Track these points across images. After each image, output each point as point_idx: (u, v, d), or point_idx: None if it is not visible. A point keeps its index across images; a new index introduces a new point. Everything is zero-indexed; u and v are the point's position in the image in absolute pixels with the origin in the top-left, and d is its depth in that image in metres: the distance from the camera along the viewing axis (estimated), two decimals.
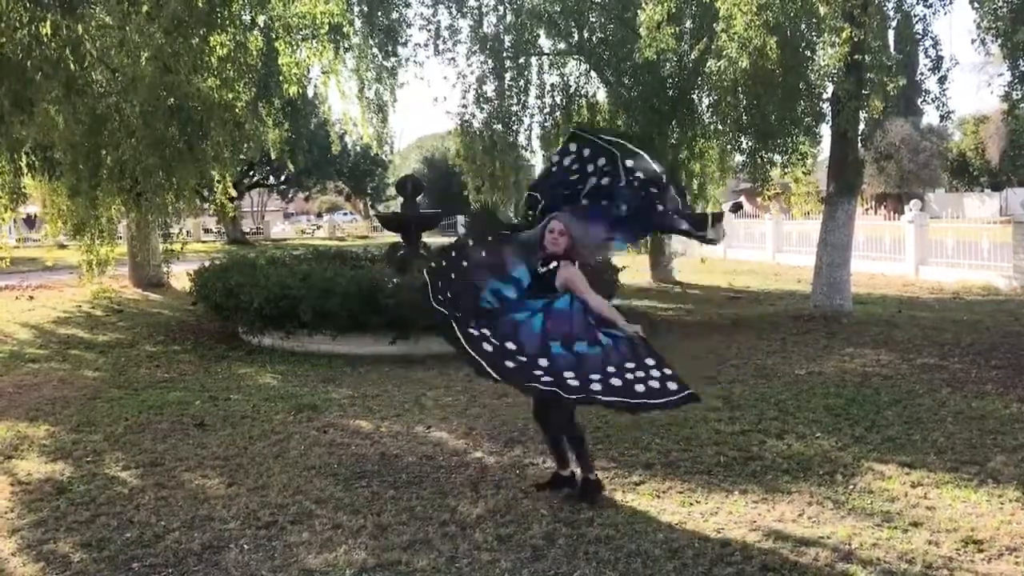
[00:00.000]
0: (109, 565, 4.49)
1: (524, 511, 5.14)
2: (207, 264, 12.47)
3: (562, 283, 5.12)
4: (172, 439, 6.88)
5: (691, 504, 5.22)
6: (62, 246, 27.60)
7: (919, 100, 12.92)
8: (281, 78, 14.41)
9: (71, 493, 5.59)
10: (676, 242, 22.31)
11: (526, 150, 17.85)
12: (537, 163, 19.45)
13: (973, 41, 11.60)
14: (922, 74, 12.38)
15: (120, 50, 11.70)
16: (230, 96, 12.79)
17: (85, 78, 11.78)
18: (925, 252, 19.35)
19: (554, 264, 5.18)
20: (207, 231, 46.09)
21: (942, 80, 12.08)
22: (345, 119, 16.44)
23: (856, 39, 11.12)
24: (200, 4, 10.98)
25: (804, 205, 17.10)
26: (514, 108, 16.84)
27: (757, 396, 7.96)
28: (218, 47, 12.33)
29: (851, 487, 5.49)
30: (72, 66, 11.39)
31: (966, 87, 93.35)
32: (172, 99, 11.94)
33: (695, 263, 22.56)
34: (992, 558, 4.42)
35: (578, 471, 5.40)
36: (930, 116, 51.55)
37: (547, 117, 17.42)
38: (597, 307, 5.06)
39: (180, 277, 13.86)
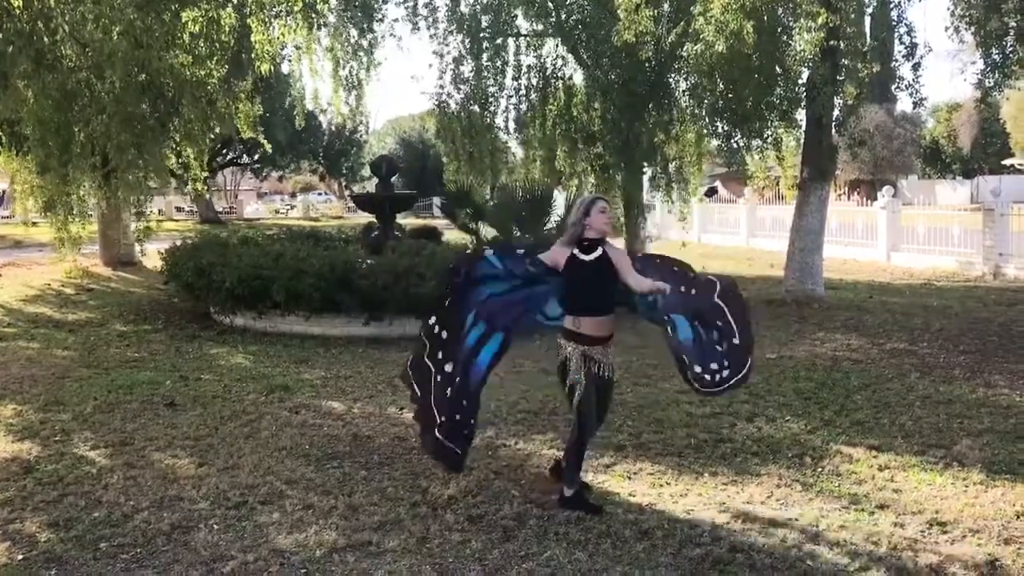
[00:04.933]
0: (76, 545, 4.45)
1: (495, 492, 5.15)
2: (179, 243, 12.34)
3: (618, 264, 4.83)
4: (142, 419, 6.82)
5: (661, 486, 5.26)
6: (32, 223, 27.22)
7: (893, 87, 13.00)
8: (254, 55, 14.24)
9: (38, 472, 5.54)
10: (651, 226, 22.36)
11: (503, 132, 17.76)
12: (513, 145, 19.37)
13: (947, 29, 11.72)
14: (896, 61, 12.47)
15: (92, 25, 11.54)
16: (202, 73, 12.65)
17: (55, 52, 11.62)
18: (897, 238, 19.53)
19: (600, 250, 4.85)
20: (179, 210, 45.63)
21: (916, 67, 12.17)
22: (317, 98, 16.28)
23: (832, 25, 11.15)
24: None
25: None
26: (491, 89, 16.76)
27: None
28: (190, 23, 12.18)
29: (819, 470, 5.54)
30: (43, 40, 11.23)
31: (939, 75, 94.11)
32: (144, 75, 11.79)
33: (670, 247, 22.61)
34: (955, 540, 4.48)
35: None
36: (904, 103, 51.96)
37: (524, 99, 17.34)
38: (638, 285, 4.78)
39: (151, 256, 13.76)
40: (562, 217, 14.68)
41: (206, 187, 18.47)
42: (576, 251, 4.85)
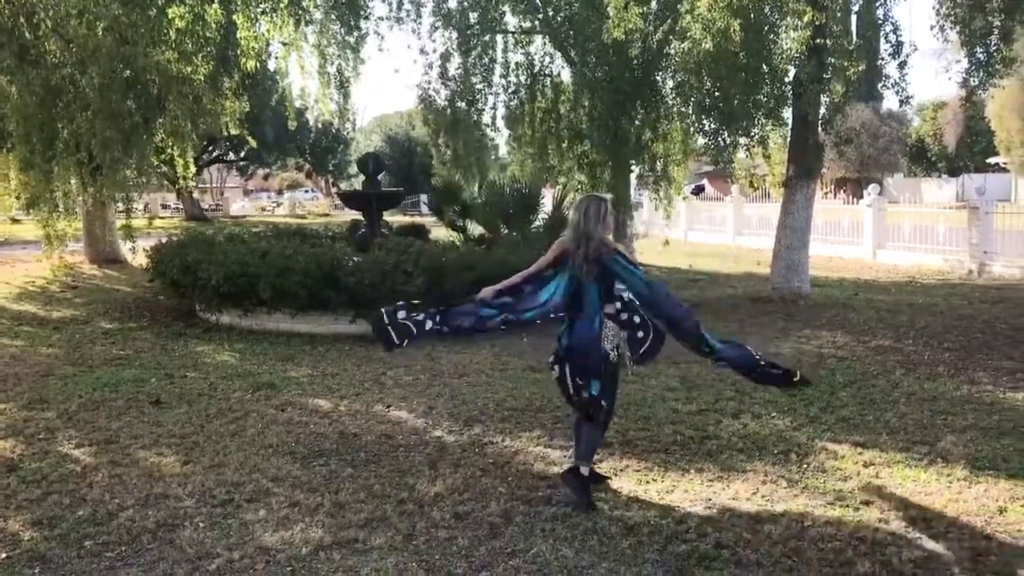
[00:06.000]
0: (60, 543, 4.43)
1: (482, 489, 5.15)
2: (164, 240, 12.28)
3: None
4: (127, 417, 6.79)
5: (647, 482, 5.27)
6: (15, 220, 27.06)
7: (879, 85, 13.06)
8: (240, 52, 14.17)
9: (22, 471, 5.51)
10: (638, 224, 22.39)
11: (490, 129, 17.74)
12: (501, 142, 19.37)
13: (932, 27, 11.76)
14: (882, 59, 12.51)
15: (75, 20, 11.46)
16: (188, 69, 12.57)
17: (39, 48, 11.54)
18: (883, 236, 19.62)
19: None
20: (165, 207, 45.46)
21: (902, 66, 12.21)
22: (304, 95, 16.18)
23: (818, 23, 11.18)
24: None
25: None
26: (479, 86, 16.73)
27: (714, 376, 8.02)
28: (176, 19, 12.12)
29: (805, 466, 5.57)
30: (26, 35, 11.15)
31: (925, 73, 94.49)
32: (129, 72, 11.71)
33: (656, 245, 22.67)
34: (939, 535, 4.51)
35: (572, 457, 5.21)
36: (890, 101, 52.26)
37: (512, 96, 17.33)
38: None
39: (137, 253, 13.71)
40: (550, 214, 14.71)
41: (193, 184, 18.38)
42: None
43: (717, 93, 12.61)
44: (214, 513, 4.81)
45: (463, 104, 16.65)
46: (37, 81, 11.38)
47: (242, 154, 44.27)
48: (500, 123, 17.79)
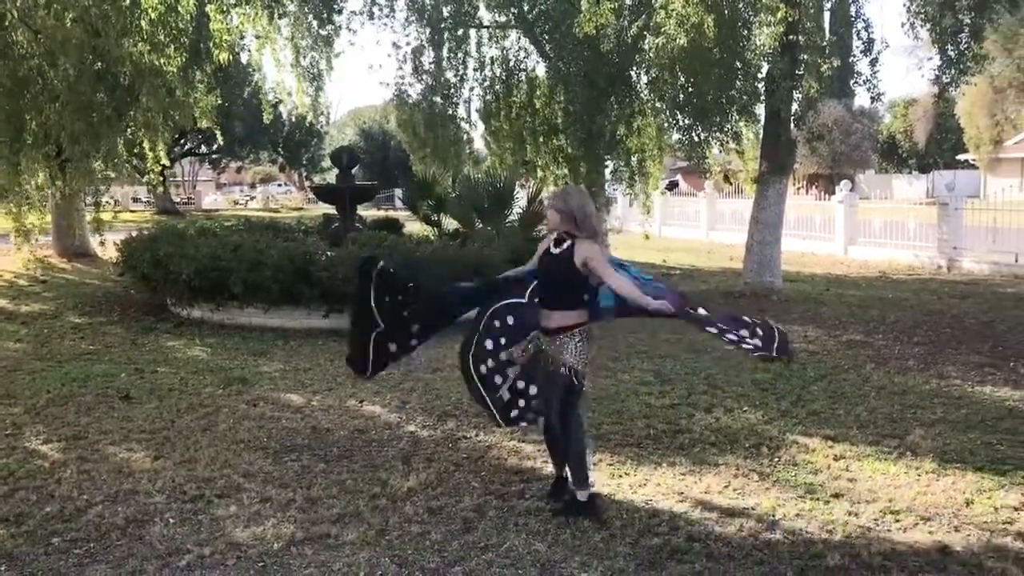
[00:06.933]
0: (28, 540, 4.37)
1: (455, 484, 5.15)
2: (135, 234, 12.15)
3: (582, 260, 4.58)
4: (96, 412, 6.72)
5: (620, 476, 5.28)
6: None
7: (851, 82, 13.16)
8: (212, 44, 14.03)
9: None
10: (612, 219, 22.44)
11: (465, 123, 17.70)
12: (476, 136, 19.33)
13: (903, 25, 11.86)
14: (854, 56, 12.61)
15: (43, 11, 11.31)
16: (161, 61, 12.43)
17: (6, 39, 11.37)
18: (854, 232, 19.79)
19: (566, 244, 4.68)
20: (136, 200, 44.97)
21: (873, 62, 12.34)
22: (279, 88, 16.05)
23: (791, 19, 11.24)
24: None
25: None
26: (453, 81, 16.69)
27: (688, 371, 8.08)
28: (149, 10, 11.98)
29: (776, 459, 5.61)
30: None
31: (896, 70, 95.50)
32: (100, 63, 11.57)
33: (631, 240, 22.74)
34: (908, 527, 4.56)
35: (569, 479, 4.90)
36: (861, 98, 52.71)
37: (487, 91, 17.31)
38: (619, 288, 4.60)
39: (107, 247, 13.57)
40: (524, 209, 14.70)
41: (162, 178, 18.18)
42: (551, 245, 4.82)
43: (691, 89, 12.67)
44: (184, 509, 4.76)
45: (438, 98, 16.60)
46: (4, 72, 11.22)
47: (214, 147, 43.85)
48: (475, 117, 17.78)
